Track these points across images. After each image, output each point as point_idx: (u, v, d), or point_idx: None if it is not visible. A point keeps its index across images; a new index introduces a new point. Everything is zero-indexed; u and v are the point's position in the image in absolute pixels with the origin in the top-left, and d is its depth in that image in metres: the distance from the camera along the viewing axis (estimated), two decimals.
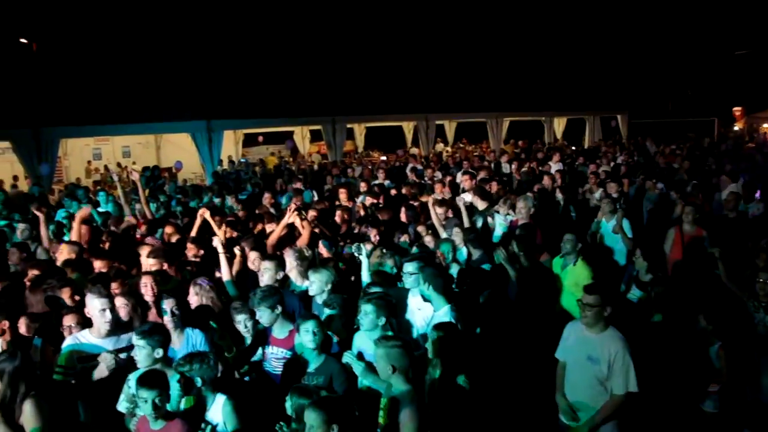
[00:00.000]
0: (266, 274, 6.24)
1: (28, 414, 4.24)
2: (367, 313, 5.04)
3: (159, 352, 4.54)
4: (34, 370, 4.48)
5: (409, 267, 5.95)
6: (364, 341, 5.16)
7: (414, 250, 7.65)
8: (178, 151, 25.36)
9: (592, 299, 4.91)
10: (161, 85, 21.83)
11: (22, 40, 23.26)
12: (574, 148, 27.09)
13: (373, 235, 8.15)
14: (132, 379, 4.58)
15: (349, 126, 26.52)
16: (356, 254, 6.55)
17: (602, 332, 4.94)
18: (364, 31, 29.86)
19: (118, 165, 25.78)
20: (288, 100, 23.76)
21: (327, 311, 5.54)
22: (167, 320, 5.08)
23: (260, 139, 30.40)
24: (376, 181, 13.77)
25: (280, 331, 5.29)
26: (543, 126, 32.18)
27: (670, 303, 6.42)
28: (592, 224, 9.58)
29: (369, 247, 6.92)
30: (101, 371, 4.77)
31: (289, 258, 6.51)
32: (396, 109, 27.38)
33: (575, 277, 6.97)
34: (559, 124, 33.15)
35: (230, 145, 25.37)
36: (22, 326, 5.32)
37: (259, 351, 5.35)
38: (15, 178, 21.00)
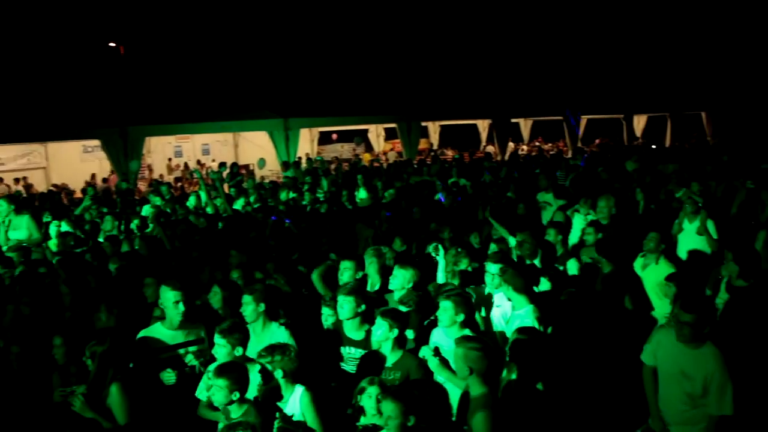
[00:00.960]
0: (345, 274, 6.23)
1: (114, 396, 4.46)
2: (445, 309, 5.03)
3: (239, 350, 4.66)
4: (123, 355, 4.69)
5: (491, 267, 5.90)
6: (442, 337, 5.15)
7: (490, 249, 7.58)
8: (256, 149, 25.86)
9: (689, 318, 4.47)
10: (240, 84, 22.36)
11: (111, 44, 24.20)
12: (654, 146, 26.31)
13: (448, 233, 8.13)
14: (212, 369, 4.73)
15: (423, 124, 26.53)
16: (433, 254, 6.56)
17: (699, 348, 4.53)
18: (440, 31, 29.78)
19: (198, 162, 26.57)
20: (364, 99, 23.93)
21: (403, 308, 5.55)
22: (250, 311, 5.20)
23: (334, 137, 30.75)
24: (452, 179, 13.74)
25: (357, 332, 5.29)
26: (622, 124, 31.38)
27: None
28: (673, 224, 9.27)
29: (444, 246, 6.89)
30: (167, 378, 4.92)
31: (368, 257, 6.53)
32: (471, 109, 27.22)
33: (657, 277, 6.77)
34: (639, 122, 32.24)
35: (306, 143, 25.75)
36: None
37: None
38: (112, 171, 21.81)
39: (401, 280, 5.84)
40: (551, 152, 27.32)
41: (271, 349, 4.46)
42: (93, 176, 22.91)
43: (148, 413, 4.55)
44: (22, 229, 8.67)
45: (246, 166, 23.33)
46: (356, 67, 25.65)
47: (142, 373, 4.89)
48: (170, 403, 4.78)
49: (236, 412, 4.18)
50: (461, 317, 5.05)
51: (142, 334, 5.15)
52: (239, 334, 4.68)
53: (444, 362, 4.84)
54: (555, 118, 29.53)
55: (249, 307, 5.18)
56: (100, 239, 9.43)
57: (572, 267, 7.36)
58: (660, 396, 4.82)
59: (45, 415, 4.67)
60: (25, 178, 22.48)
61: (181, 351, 4.99)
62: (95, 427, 4.32)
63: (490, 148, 27.97)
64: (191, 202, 12.72)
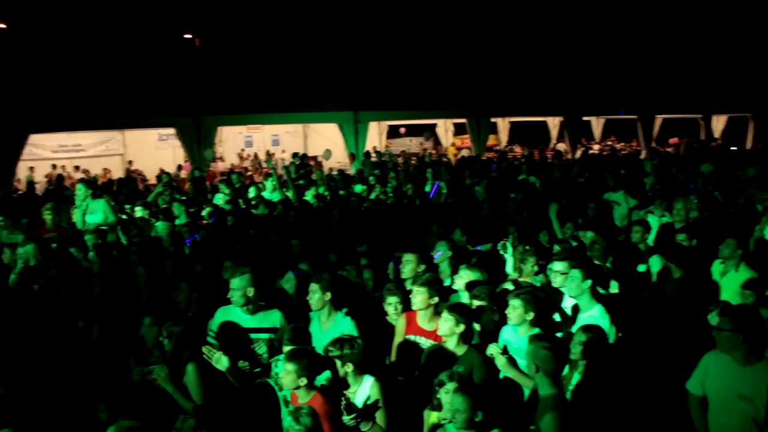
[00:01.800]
0: (407, 267, 6.20)
1: (190, 375, 4.60)
2: (515, 307, 4.99)
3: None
4: (199, 336, 4.83)
5: (558, 266, 5.80)
6: (511, 335, 5.12)
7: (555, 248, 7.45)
8: (324, 140, 26.11)
9: (720, 321, 4.20)
10: (311, 77, 22.63)
11: (187, 36, 24.81)
12: (734, 148, 25.36)
13: (514, 231, 8.04)
14: (280, 359, 4.81)
15: (493, 120, 26.29)
16: (501, 252, 6.50)
17: (754, 364, 4.13)
18: (513, 27, 29.38)
19: (267, 153, 27.03)
20: (433, 94, 23.88)
21: (476, 302, 5.51)
22: (317, 299, 5.25)
23: (402, 130, 30.75)
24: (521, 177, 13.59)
25: (429, 322, 5.29)
26: (699, 125, 30.36)
27: None
28: (754, 230, 8.89)
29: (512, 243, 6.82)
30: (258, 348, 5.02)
31: (442, 250, 6.51)
32: (542, 106, 26.83)
33: (736, 284, 6.50)
34: (718, 123, 31.14)
35: (374, 136, 25.86)
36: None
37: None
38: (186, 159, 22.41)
39: (467, 280, 5.81)
40: (624, 152, 26.70)
41: (340, 342, 4.49)
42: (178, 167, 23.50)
43: (221, 394, 4.68)
44: (98, 212, 9.01)
45: (314, 158, 23.58)
46: (427, 61, 25.59)
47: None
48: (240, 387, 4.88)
49: (304, 398, 4.24)
50: (531, 315, 5.00)
51: (218, 315, 5.28)
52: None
53: (511, 361, 4.80)
54: (628, 117, 28.81)
55: (315, 295, 5.24)
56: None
57: (654, 267, 7.17)
58: (719, 426, 4.35)
59: (124, 393, 4.83)
60: (85, 170, 23.27)
61: (257, 336, 5.09)
62: (171, 406, 4.45)
63: (561, 146, 27.48)
64: (252, 192, 12.94)
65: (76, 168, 23.44)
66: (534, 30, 30.59)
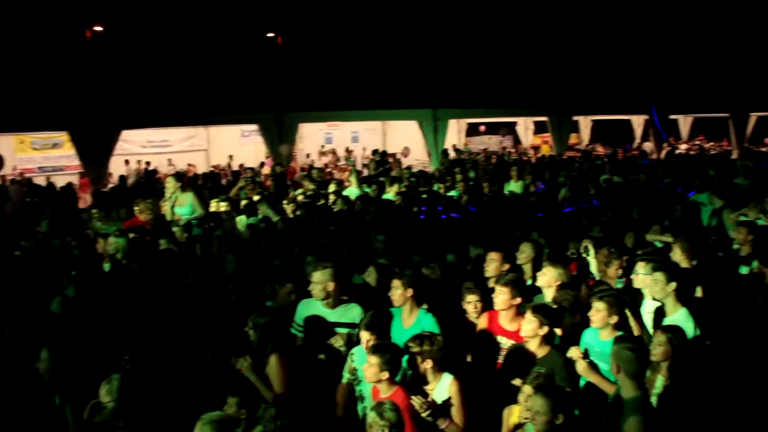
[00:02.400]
0: (491, 265, 6.17)
1: (273, 367, 4.70)
2: (598, 309, 4.89)
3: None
4: (284, 328, 4.93)
5: (641, 268, 5.66)
6: (593, 339, 5.02)
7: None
8: (403, 137, 26.21)
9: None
10: (390, 73, 22.68)
11: (269, 35, 25.31)
12: None
13: (598, 232, 7.86)
14: (355, 352, 4.86)
15: (574, 118, 25.78)
16: (583, 254, 6.38)
17: None
18: (595, 23, 28.59)
19: (347, 150, 27.32)
20: (514, 91, 23.56)
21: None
22: (398, 295, 5.28)
23: (482, 128, 30.52)
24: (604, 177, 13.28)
25: (510, 323, 5.24)
26: None
27: None
28: None
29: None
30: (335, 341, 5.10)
31: (528, 249, 6.44)
32: (626, 104, 26.07)
33: None
34: None
35: (453, 133, 25.76)
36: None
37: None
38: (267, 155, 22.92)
39: (549, 278, 5.72)
40: (713, 151, 25.68)
41: (420, 338, 4.50)
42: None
43: (302, 386, 4.76)
44: (186, 205, 9.34)
45: (393, 155, 23.68)
46: (508, 58, 25.23)
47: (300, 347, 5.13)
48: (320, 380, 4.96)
49: (385, 392, 4.27)
50: (614, 319, 4.89)
51: (300, 308, 5.38)
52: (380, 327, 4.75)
53: (592, 365, 4.71)
54: (719, 115, 27.61)
55: (397, 291, 5.25)
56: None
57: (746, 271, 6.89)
58: None
59: (209, 381, 4.97)
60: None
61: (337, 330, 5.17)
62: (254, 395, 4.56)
63: (647, 145, 26.63)
64: (331, 188, 13.08)
65: (169, 161, 24.32)
66: (618, 25, 29.64)
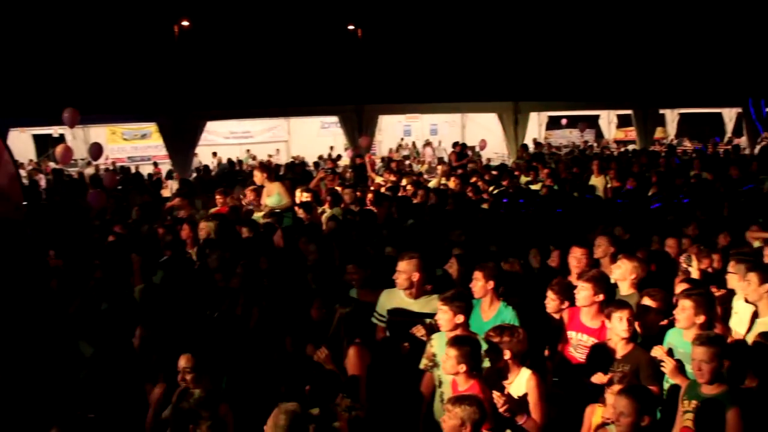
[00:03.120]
0: (574, 261, 6.05)
1: (351, 358, 4.74)
2: (685, 308, 4.72)
3: (459, 318, 4.71)
4: (363, 319, 4.98)
5: (734, 268, 5.43)
6: (677, 338, 4.84)
7: None
8: (482, 130, 26.00)
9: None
10: (471, 65, 22.48)
11: (350, 27, 25.49)
12: None
13: (691, 230, 7.59)
14: (435, 338, 4.84)
15: (661, 111, 24.92)
16: (685, 265, 6.16)
17: None
18: (682, 11, 27.40)
19: (427, 142, 27.35)
20: (597, 84, 22.95)
21: (647, 301, 5.25)
22: (479, 287, 5.26)
23: (563, 122, 29.93)
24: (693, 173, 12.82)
25: (592, 320, 5.11)
26: None
27: None
28: None
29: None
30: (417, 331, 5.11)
31: (604, 243, 6.30)
32: (717, 96, 24.96)
33: None
34: None
35: (533, 126, 25.37)
36: None
37: None
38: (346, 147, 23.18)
39: (623, 270, 5.56)
40: None
41: (500, 329, 4.45)
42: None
43: (381, 377, 4.80)
44: (274, 195, 9.54)
45: (472, 148, 23.52)
46: (590, 49, 24.53)
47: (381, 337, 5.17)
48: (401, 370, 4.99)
49: (463, 385, 4.25)
50: (701, 318, 4.70)
51: (383, 297, 5.42)
52: (461, 302, 4.74)
53: (680, 366, 4.56)
54: None
55: (479, 283, 5.21)
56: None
57: None
58: None
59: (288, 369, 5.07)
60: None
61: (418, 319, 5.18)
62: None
63: (743, 140, 25.40)
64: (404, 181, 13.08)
65: (248, 152, 24.92)
66: (710, 9, 28.27)
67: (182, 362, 4.20)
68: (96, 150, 13.53)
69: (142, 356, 4.76)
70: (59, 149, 13.17)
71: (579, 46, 24.24)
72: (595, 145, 27.07)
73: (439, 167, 13.27)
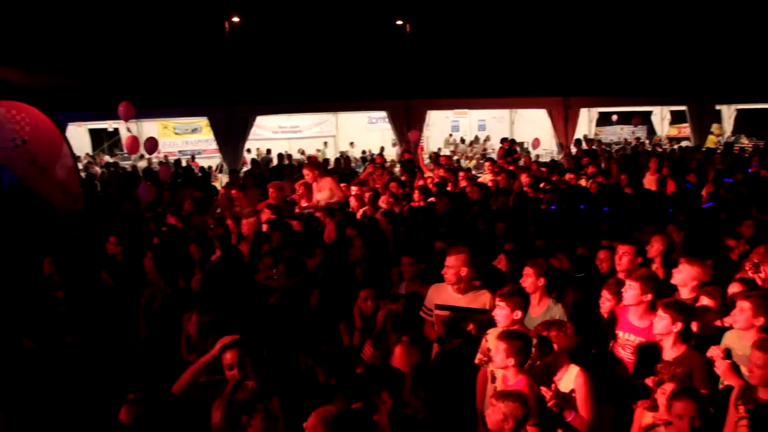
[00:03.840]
0: (624, 259, 5.92)
1: (397, 356, 4.76)
2: (743, 309, 4.60)
3: (518, 314, 4.69)
4: (411, 318, 4.99)
5: None
6: (734, 340, 4.72)
7: None
8: (532, 126, 25.73)
9: None
10: (520, 60, 22.24)
11: (398, 22, 25.49)
12: None
13: (745, 229, 7.36)
14: (490, 333, 4.82)
15: (717, 107, 24.26)
16: (750, 271, 5.99)
17: None
18: (737, 7, 26.50)
19: (476, 138, 27.23)
20: (650, 78, 22.44)
21: (705, 300, 5.14)
22: (530, 283, 5.22)
23: (614, 118, 29.32)
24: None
25: (640, 319, 5.01)
26: None
27: None
28: None
29: None
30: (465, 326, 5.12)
31: (658, 243, 6.19)
32: None
33: None
34: None
35: (584, 123, 24.99)
36: None
37: None
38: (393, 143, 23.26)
39: (685, 276, 5.44)
40: None
41: (548, 324, 4.44)
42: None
43: (429, 374, 4.81)
44: (325, 190, 9.65)
45: (521, 144, 23.29)
46: (643, 43, 23.96)
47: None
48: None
49: (512, 380, 4.24)
50: (760, 321, 4.57)
51: (431, 291, 5.44)
52: (519, 297, 4.71)
53: (733, 367, 4.45)
54: None
55: (529, 279, 5.21)
56: None
57: None
58: None
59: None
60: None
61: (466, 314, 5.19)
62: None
63: None
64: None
65: (300, 151, 25.15)
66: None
67: (228, 357, 4.25)
68: (151, 144, 13.85)
69: (200, 340, 4.86)
70: (128, 140, 13.56)
71: (632, 40, 23.74)
72: (647, 142, 26.50)
73: (487, 164, 13.16)
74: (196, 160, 23.12)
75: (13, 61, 16.11)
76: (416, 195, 10.41)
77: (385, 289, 5.84)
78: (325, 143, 27.27)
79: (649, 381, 4.43)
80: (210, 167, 21.46)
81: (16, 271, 7.25)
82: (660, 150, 20.55)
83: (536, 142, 22.87)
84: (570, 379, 4.35)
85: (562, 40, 23.41)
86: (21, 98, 12.40)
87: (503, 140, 17.69)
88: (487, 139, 27.32)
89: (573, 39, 23.39)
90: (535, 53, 22.78)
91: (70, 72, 17.82)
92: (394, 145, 23.06)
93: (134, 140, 13.31)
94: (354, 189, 10.25)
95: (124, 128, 26.88)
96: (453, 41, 23.46)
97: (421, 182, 11.75)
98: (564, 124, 19.60)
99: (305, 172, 10.19)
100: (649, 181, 11.83)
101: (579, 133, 22.20)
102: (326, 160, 19.52)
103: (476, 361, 4.88)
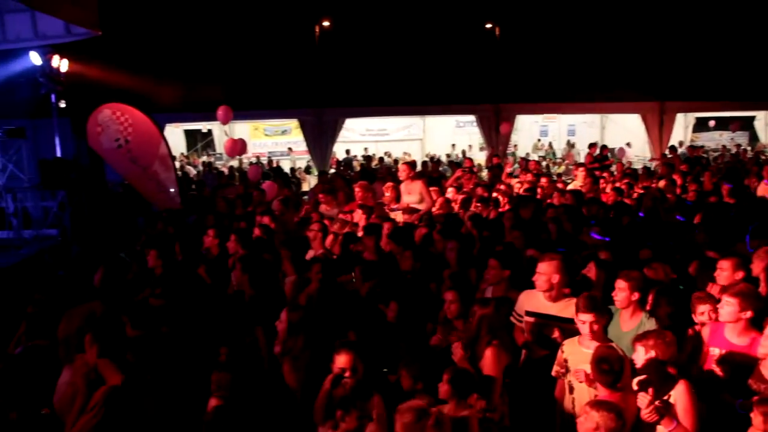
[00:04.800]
0: (723, 274, 5.60)
1: (488, 359, 4.73)
2: None
3: (595, 326, 4.57)
4: (500, 321, 4.96)
5: None
6: None
7: None
8: (623, 131, 25.04)
9: None
10: (612, 63, 21.58)
11: (488, 26, 25.33)
12: None
13: None
14: (566, 344, 4.75)
15: None
16: None
17: None
18: None
19: (568, 143, 26.71)
20: (753, 81, 21.28)
21: None
22: (623, 297, 5.09)
23: (711, 123, 28.11)
24: None
25: (739, 337, 4.74)
26: None
27: None
28: None
29: None
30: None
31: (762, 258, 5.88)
32: None
33: None
34: None
35: (679, 128, 24.08)
36: None
37: None
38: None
39: None
40: None
41: (646, 333, 4.31)
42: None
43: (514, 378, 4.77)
44: (415, 193, 9.68)
45: (612, 150, 22.68)
46: (744, 44, 22.76)
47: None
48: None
49: (603, 393, 4.14)
50: None
51: (521, 297, 5.42)
52: (598, 309, 4.60)
53: None
54: None
55: (622, 294, 5.06)
56: None
57: None
58: None
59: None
60: None
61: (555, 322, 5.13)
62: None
63: None
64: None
65: (387, 153, 25.36)
66: None
67: (343, 359, 4.31)
68: (241, 146, 14.33)
69: (289, 338, 4.98)
70: (228, 142, 14.11)
71: (732, 39, 22.64)
72: (749, 149, 25.26)
73: (580, 170, 12.83)
74: (282, 161, 23.67)
75: (119, 64, 16.90)
76: (503, 200, 10.33)
77: (470, 293, 5.82)
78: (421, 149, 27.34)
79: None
80: (296, 168, 21.98)
81: (121, 264, 7.58)
82: (763, 158, 19.48)
83: (621, 152, 22.20)
84: (677, 393, 4.14)
85: (657, 41, 22.59)
86: (124, 100, 13.14)
87: (591, 145, 17.24)
88: (572, 145, 26.79)
89: (669, 39, 22.50)
90: (629, 55, 22.03)
91: (169, 75, 18.55)
92: (481, 149, 22.91)
93: (234, 143, 13.84)
94: (450, 191, 10.25)
95: (217, 129, 27.93)
96: (543, 44, 23.05)
97: (503, 187, 11.62)
98: (659, 129, 18.80)
99: (402, 169, 10.18)
100: (764, 190, 11.22)
101: (674, 140, 21.38)
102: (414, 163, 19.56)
103: (553, 373, 4.80)
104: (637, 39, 22.71)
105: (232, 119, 14.10)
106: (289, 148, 26.52)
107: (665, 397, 4.10)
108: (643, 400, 3.98)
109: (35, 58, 12.22)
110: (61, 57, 12.59)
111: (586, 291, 5.46)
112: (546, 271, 5.16)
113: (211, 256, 7.76)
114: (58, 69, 12.55)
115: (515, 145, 26.17)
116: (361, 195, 10.43)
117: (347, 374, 4.28)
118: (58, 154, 12.96)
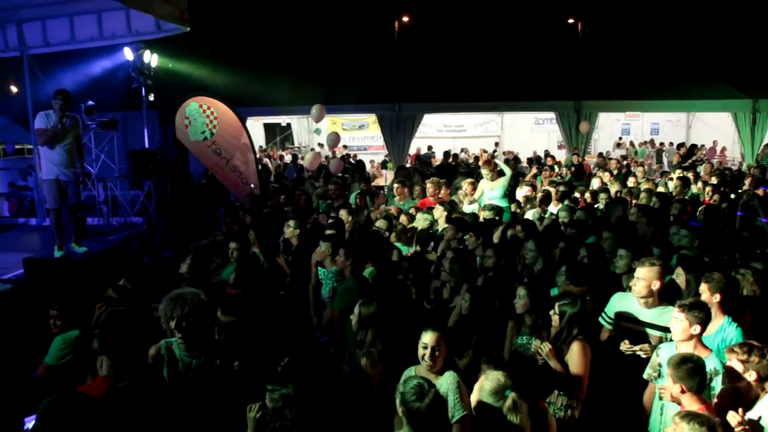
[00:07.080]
0: None
1: (574, 354, 4.64)
2: None
3: (696, 329, 4.39)
4: (586, 318, 4.86)
5: None
6: None
7: None
8: (710, 131, 24.14)
9: None
10: (700, 58, 20.71)
11: (570, 21, 24.88)
12: None
13: None
14: (662, 348, 4.60)
15: None
16: None
17: None
18: None
19: (651, 143, 25.92)
20: None
21: None
22: (705, 299, 4.89)
23: None
24: None
25: None
26: None
27: None
28: None
29: None
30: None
31: None
32: None
33: None
34: None
35: None
36: None
37: None
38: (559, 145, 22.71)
39: None
40: None
41: (749, 347, 4.05)
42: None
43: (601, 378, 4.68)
44: (497, 189, 9.63)
45: (700, 149, 21.85)
46: None
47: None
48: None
49: (690, 406, 3.97)
50: None
51: (614, 300, 5.30)
52: (700, 311, 4.42)
53: None
54: None
55: (703, 295, 4.89)
56: None
57: None
58: None
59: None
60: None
61: (650, 331, 4.98)
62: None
63: None
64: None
65: (464, 150, 25.20)
66: None
67: (429, 338, 4.26)
68: (334, 139, 14.67)
69: (359, 332, 5.02)
70: (333, 135, 14.84)
71: None
72: None
73: (677, 172, 12.40)
74: (360, 155, 23.87)
75: (205, 58, 17.41)
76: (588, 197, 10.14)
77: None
78: (496, 143, 27.12)
79: None
80: (372, 161, 22.12)
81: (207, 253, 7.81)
82: None
83: (711, 152, 21.36)
84: (764, 406, 3.96)
85: (748, 33, 21.55)
86: (208, 93, 13.55)
87: (680, 146, 16.68)
88: (655, 144, 25.96)
89: (760, 31, 21.40)
90: (718, 50, 21.08)
91: (251, 69, 18.98)
92: (560, 147, 22.48)
93: (337, 136, 14.74)
94: (527, 189, 10.13)
95: (296, 124, 28.39)
96: (626, 39, 22.44)
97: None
98: (752, 129, 17.84)
99: (485, 166, 10.10)
100: None
101: None
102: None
103: (645, 376, 4.66)
104: (728, 32, 21.79)
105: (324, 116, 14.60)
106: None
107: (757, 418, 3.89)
108: (733, 419, 3.78)
109: (128, 54, 12.77)
110: (151, 53, 13.13)
111: (673, 296, 5.31)
112: (646, 277, 5.01)
113: (290, 246, 7.89)
114: (148, 64, 13.09)
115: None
116: (433, 190, 10.44)
117: (427, 352, 4.22)
118: (146, 145, 13.47)
